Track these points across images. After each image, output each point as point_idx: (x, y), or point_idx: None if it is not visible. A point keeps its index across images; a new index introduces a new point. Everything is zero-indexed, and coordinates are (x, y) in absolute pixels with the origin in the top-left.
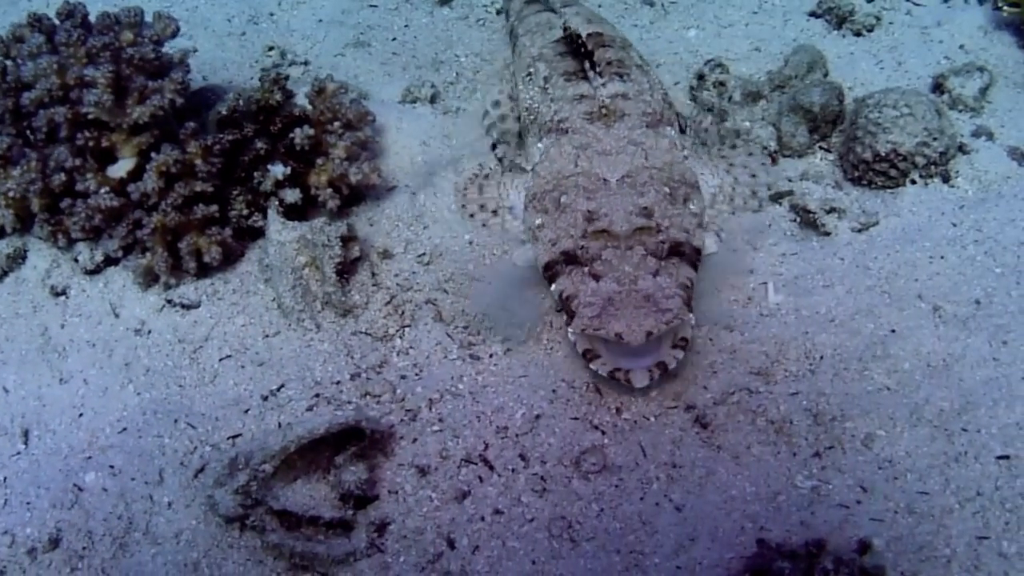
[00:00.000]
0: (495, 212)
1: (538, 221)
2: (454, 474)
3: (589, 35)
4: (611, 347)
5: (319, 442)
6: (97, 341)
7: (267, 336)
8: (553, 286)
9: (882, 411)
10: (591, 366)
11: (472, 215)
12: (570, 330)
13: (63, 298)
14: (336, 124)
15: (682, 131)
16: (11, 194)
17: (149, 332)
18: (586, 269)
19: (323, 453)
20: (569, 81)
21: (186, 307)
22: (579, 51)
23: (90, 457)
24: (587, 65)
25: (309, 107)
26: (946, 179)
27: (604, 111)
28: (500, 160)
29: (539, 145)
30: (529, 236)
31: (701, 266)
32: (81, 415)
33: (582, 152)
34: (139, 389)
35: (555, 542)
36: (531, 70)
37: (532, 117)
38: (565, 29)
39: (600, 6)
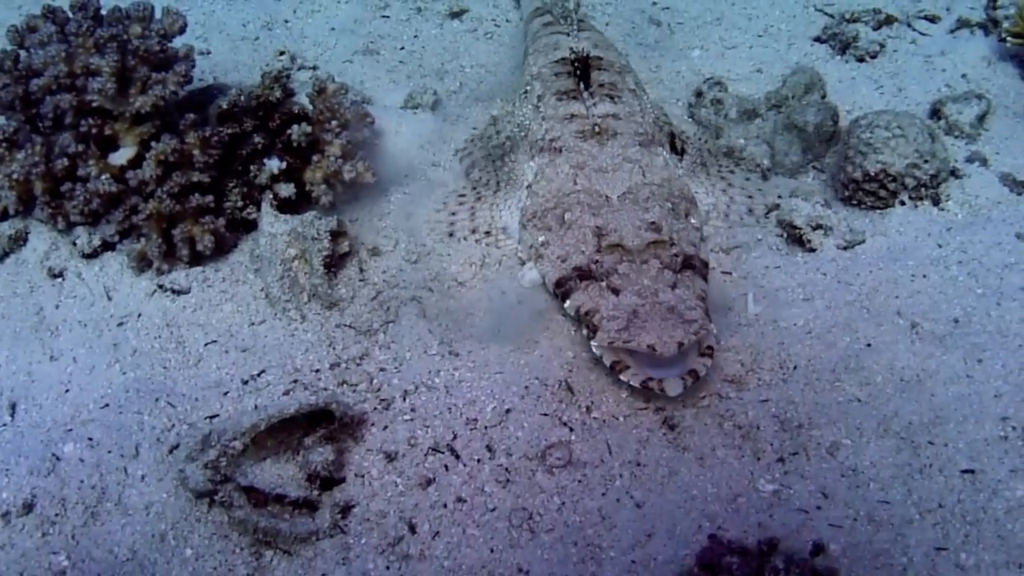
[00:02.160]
0: (488, 233)
1: (541, 239)
2: (420, 461)
3: (590, 58)
4: (640, 358)
5: (290, 423)
6: (89, 322)
7: (253, 324)
8: (568, 302)
9: (850, 421)
10: (622, 377)
11: (463, 239)
12: (594, 343)
13: (60, 280)
14: (334, 123)
15: (676, 151)
16: (15, 176)
17: (139, 315)
18: (603, 284)
19: (294, 434)
20: (561, 100)
21: (176, 292)
22: (575, 71)
23: (71, 430)
24: (581, 85)
25: (309, 106)
26: (936, 202)
27: (596, 130)
28: (475, 185)
29: (531, 164)
30: (530, 255)
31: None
32: (67, 391)
33: (579, 170)
34: (125, 369)
35: (514, 532)
36: (527, 88)
37: (523, 134)
38: (571, 50)
39: (608, 24)
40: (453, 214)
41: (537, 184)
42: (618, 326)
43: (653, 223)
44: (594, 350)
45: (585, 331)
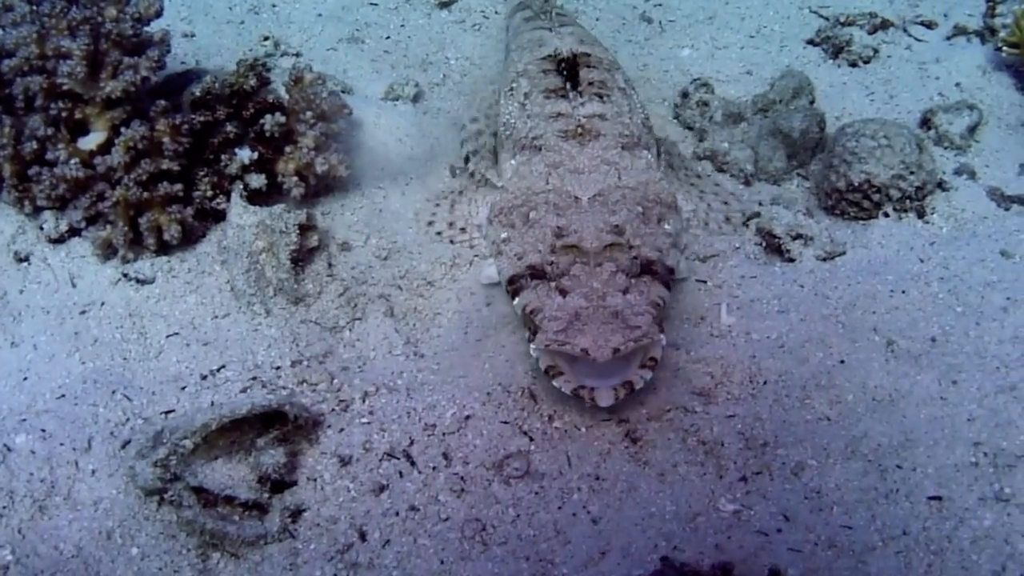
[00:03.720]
0: (463, 230)
1: (503, 235)
2: (375, 467)
3: (578, 55)
4: (576, 365)
5: (243, 423)
6: (52, 309)
7: (216, 317)
8: (516, 300)
9: (817, 441)
10: (554, 383)
11: (440, 232)
12: (532, 346)
13: (25, 264)
14: (309, 114)
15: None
16: None
17: (102, 304)
18: (553, 284)
19: (247, 434)
20: (548, 98)
21: (141, 282)
22: (563, 69)
23: (25, 420)
24: (568, 84)
25: (285, 95)
26: (921, 215)
27: (580, 130)
28: (472, 174)
29: (512, 162)
30: (492, 251)
31: None
32: (25, 379)
33: (554, 170)
34: (84, 358)
35: (466, 543)
36: (513, 85)
37: (508, 133)
38: (557, 49)
39: (598, 20)
40: (437, 205)
41: (511, 181)
42: (557, 327)
43: (616, 226)
44: (532, 352)
45: (527, 332)
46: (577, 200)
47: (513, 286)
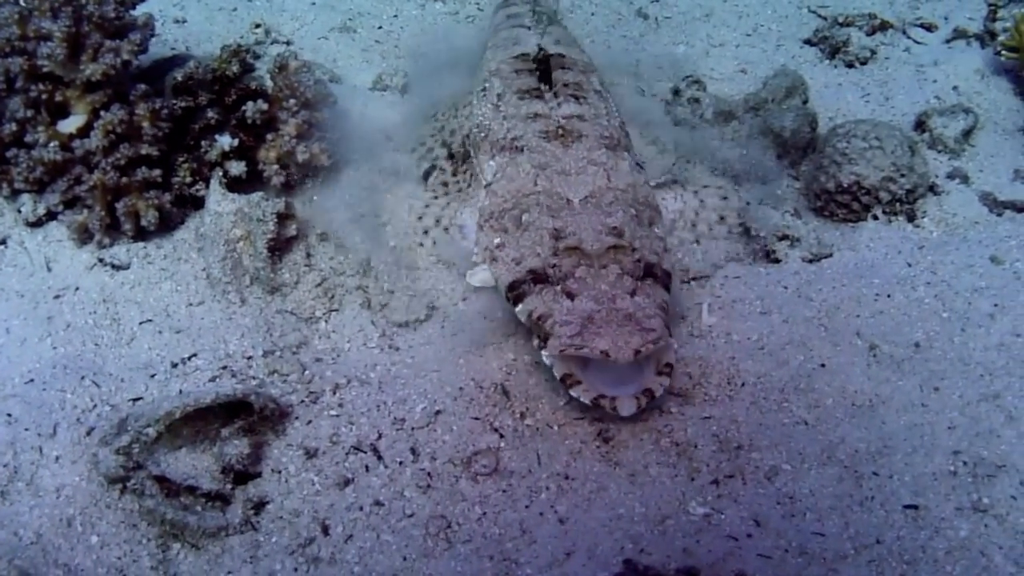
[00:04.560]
0: (447, 229)
1: (497, 240)
2: (341, 460)
3: (552, 55)
4: (593, 372)
5: (208, 412)
6: (26, 292)
7: (190, 305)
8: (520, 307)
9: (793, 445)
10: (571, 392)
11: (427, 231)
12: (545, 353)
13: (2, 247)
14: (292, 102)
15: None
16: None
17: (77, 289)
18: (558, 288)
19: (212, 424)
20: (523, 99)
21: (116, 267)
22: (536, 70)
23: None
24: (542, 84)
25: (269, 82)
26: (911, 218)
27: (561, 131)
28: (444, 184)
29: (491, 163)
30: (484, 256)
31: None
32: None
33: (541, 171)
34: (56, 343)
35: (430, 540)
36: (486, 85)
37: (483, 134)
38: (539, 48)
39: (593, 15)
40: (428, 206)
41: (497, 183)
42: (571, 331)
43: (615, 228)
44: (545, 360)
45: (536, 340)
46: (569, 202)
47: (515, 292)
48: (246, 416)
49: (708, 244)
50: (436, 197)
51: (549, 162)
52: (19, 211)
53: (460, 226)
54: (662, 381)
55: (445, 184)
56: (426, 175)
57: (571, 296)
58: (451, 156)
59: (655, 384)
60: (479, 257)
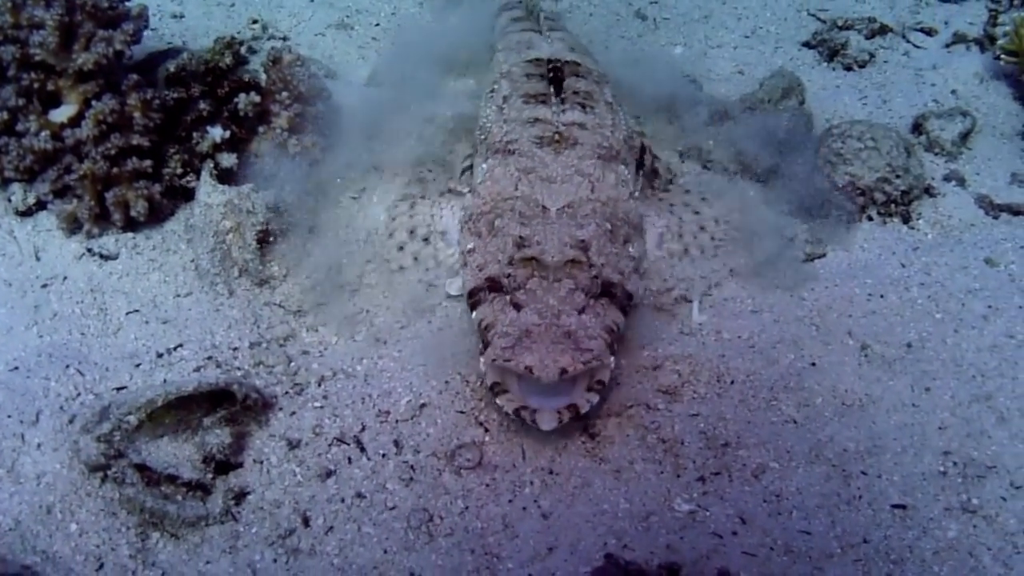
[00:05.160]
0: (426, 240)
1: (470, 245)
2: (323, 452)
3: (567, 63)
4: (522, 384)
5: (191, 402)
6: (14, 281)
7: (178, 296)
8: (474, 314)
9: (781, 444)
10: (497, 401)
11: (401, 247)
12: (481, 360)
13: None
14: (285, 95)
15: (643, 168)
16: None
17: (65, 278)
18: (507, 298)
19: (195, 413)
20: (528, 103)
21: (104, 257)
22: (548, 75)
23: None
24: (552, 90)
25: (263, 75)
26: (906, 219)
27: (557, 137)
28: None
29: (483, 165)
30: (461, 262)
31: None
32: None
33: (524, 175)
34: (42, 332)
35: (411, 534)
36: (495, 87)
37: (483, 136)
38: (550, 61)
39: (591, 15)
40: (394, 218)
41: (482, 185)
42: (505, 343)
43: (582, 241)
44: (480, 367)
45: (480, 346)
46: (545, 210)
47: (472, 299)
48: (229, 406)
49: (698, 259)
50: (396, 209)
51: (535, 167)
52: (9, 200)
53: (442, 232)
54: (590, 397)
55: (422, 179)
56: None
57: (518, 307)
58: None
59: (581, 400)
60: (458, 262)
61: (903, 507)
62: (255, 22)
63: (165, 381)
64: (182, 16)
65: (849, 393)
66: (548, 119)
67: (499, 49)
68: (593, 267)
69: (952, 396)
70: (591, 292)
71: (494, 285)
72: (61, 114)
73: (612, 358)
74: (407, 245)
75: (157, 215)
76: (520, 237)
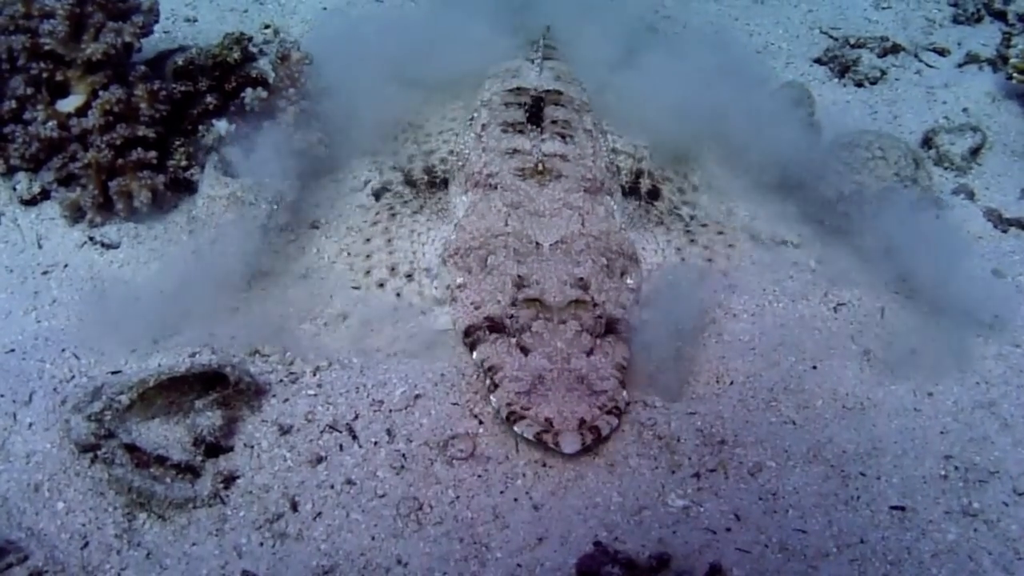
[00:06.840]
0: (409, 276)
1: (459, 280)
2: (315, 438)
3: (548, 91)
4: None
5: (183, 383)
6: (15, 268)
7: None
8: (475, 354)
9: (779, 443)
10: (515, 428)
11: (381, 284)
12: (493, 398)
13: None
14: (291, 91)
15: (643, 193)
16: None
17: (65, 266)
18: (513, 340)
19: (187, 395)
20: (505, 132)
21: (106, 246)
22: (526, 104)
23: None
24: (529, 120)
25: (271, 72)
26: None
27: (540, 168)
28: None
29: (463, 198)
30: (446, 295)
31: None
32: None
33: (513, 211)
34: (40, 317)
35: (400, 521)
36: (474, 115)
37: (460, 164)
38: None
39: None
40: (368, 243)
41: (467, 219)
42: (519, 388)
43: (581, 279)
44: (492, 403)
45: (488, 382)
46: (538, 246)
47: (470, 338)
48: (222, 389)
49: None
50: (369, 241)
51: (522, 201)
52: (14, 189)
53: (426, 268)
54: (610, 420)
55: (391, 208)
56: (376, 195)
57: (525, 351)
58: (409, 183)
59: (602, 422)
60: (439, 294)
61: (902, 509)
62: (267, 27)
63: (159, 365)
64: (195, 20)
65: (850, 396)
66: (527, 149)
67: (488, 76)
68: (596, 306)
69: (955, 402)
70: (596, 332)
71: (495, 325)
72: (69, 104)
73: (624, 392)
74: (388, 282)
75: (160, 206)
76: (519, 276)
